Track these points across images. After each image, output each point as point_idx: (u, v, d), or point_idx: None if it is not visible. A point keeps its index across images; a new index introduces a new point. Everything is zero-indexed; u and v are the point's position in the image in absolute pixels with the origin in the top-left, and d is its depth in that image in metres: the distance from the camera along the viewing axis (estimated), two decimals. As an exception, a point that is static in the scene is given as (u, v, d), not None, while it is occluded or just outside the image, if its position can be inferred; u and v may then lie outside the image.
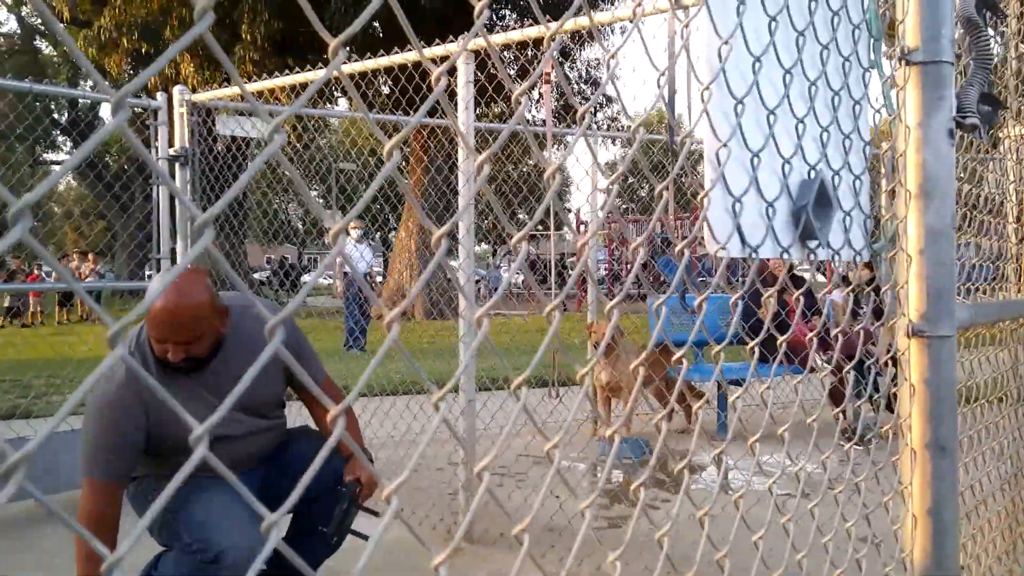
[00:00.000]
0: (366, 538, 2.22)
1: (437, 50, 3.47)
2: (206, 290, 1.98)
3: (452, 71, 3.48)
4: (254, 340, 2.13)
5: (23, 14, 20.81)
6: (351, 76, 4.02)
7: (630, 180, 20.03)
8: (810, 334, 2.39)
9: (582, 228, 12.63)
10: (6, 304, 15.06)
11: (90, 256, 17.26)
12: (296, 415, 2.58)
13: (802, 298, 1.15)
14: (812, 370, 2.11)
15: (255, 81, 4.40)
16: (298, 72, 4.06)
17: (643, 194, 22.62)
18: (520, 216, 24.06)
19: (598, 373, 4.68)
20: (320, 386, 2.30)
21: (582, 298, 12.94)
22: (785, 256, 1.06)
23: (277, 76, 4.08)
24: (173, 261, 4.36)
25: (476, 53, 3.67)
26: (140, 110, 4.49)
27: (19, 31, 21.66)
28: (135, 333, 2.08)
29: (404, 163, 15.30)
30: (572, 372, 5.58)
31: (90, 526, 1.92)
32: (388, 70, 3.81)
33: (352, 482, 2.18)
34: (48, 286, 12.65)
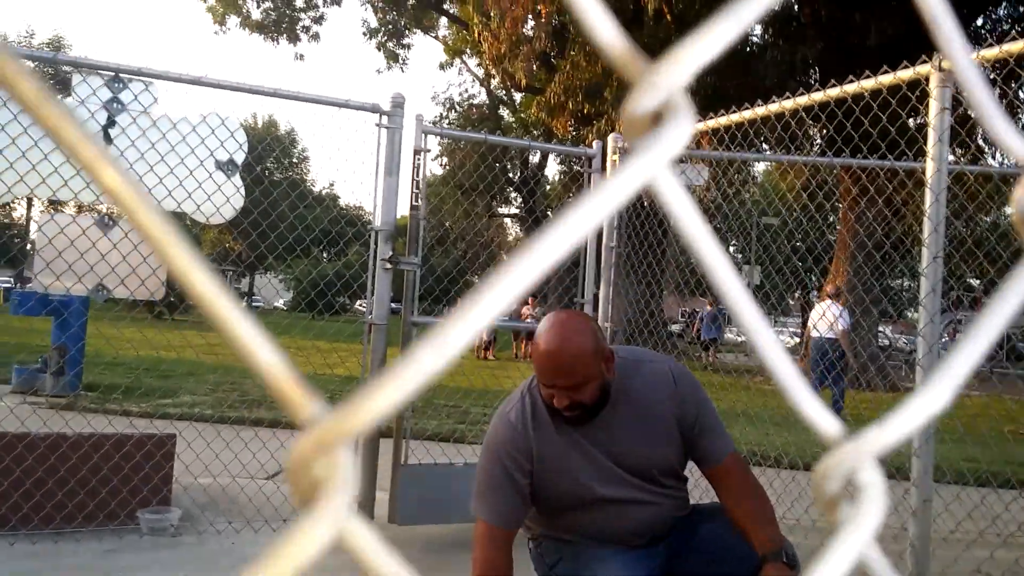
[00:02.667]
0: None
1: (902, 73, 2.94)
2: (590, 334, 1.83)
3: (911, 100, 2.89)
4: (646, 396, 1.92)
5: (492, 87, 24.30)
6: (779, 116, 3.65)
7: None
8: None
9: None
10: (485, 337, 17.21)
11: (530, 300, 19.16)
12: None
13: None
14: None
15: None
16: (734, 112, 3.82)
17: None
18: (973, 282, 20.76)
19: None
20: (726, 461, 1.95)
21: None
22: None
23: (699, 121, 3.89)
24: (595, 305, 4.41)
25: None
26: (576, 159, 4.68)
27: (487, 101, 25.36)
28: (532, 377, 1.99)
29: (830, 213, 14.15)
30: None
31: (479, 567, 1.84)
32: (822, 108, 3.38)
33: None
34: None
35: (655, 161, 0.25)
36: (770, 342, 0.29)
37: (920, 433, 2.55)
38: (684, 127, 0.25)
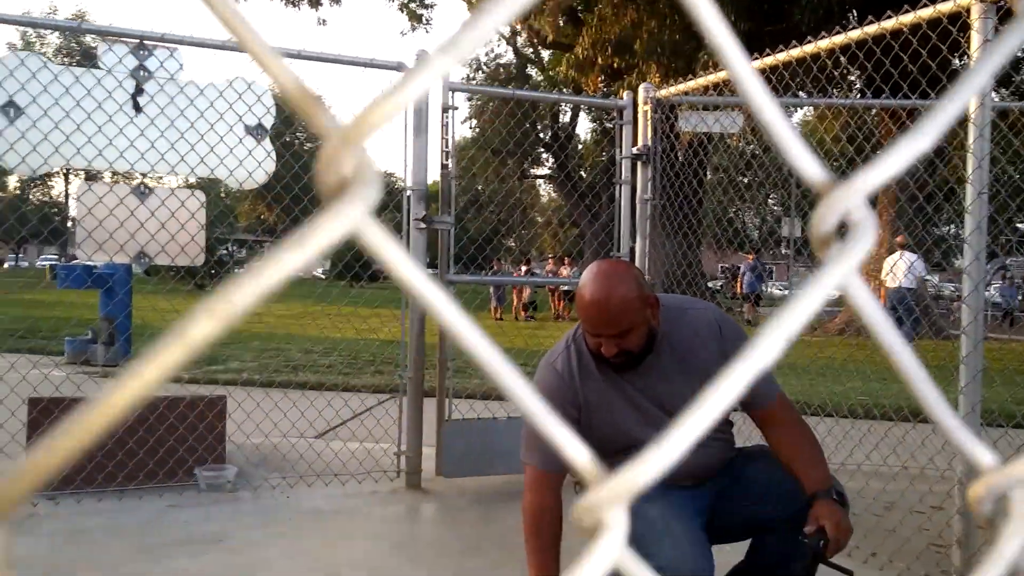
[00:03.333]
0: None
1: (943, 6, 2.85)
2: (634, 280, 1.83)
3: (952, 34, 2.80)
4: (691, 342, 1.93)
5: (518, 45, 24.01)
6: (816, 59, 3.56)
7: None
8: None
9: None
10: (525, 299, 17.16)
11: (566, 260, 19.15)
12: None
13: None
14: None
15: (715, 72, 4.18)
16: (768, 55, 3.73)
17: None
18: (1019, 224, 20.20)
19: None
20: (773, 404, 1.96)
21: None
22: None
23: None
24: (631, 259, 4.40)
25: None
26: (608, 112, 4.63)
27: (515, 60, 25.07)
28: (577, 326, 2.00)
29: (872, 158, 13.85)
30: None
31: (530, 515, 1.89)
32: (859, 47, 3.28)
33: (817, 532, 1.74)
34: (522, 280, 14.26)
35: (847, 268, 0.29)
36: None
37: (967, 372, 2.53)
38: (869, 238, 0.30)
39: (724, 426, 2.06)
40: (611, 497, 0.25)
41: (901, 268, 9.09)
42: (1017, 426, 4.50)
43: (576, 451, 0.26)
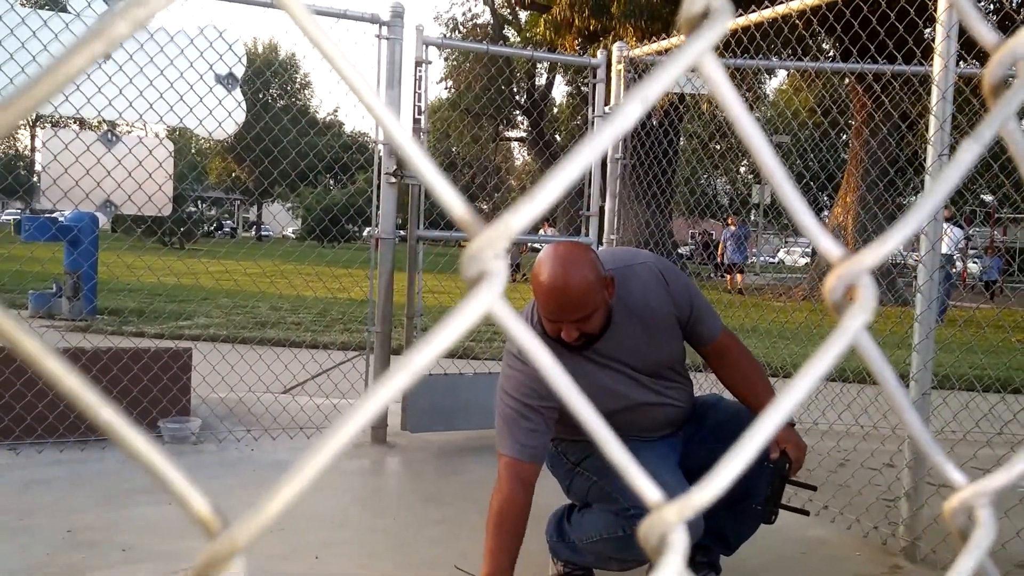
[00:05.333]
0: (806, 513, 2.06)
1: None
2: (591, 264, 1.82)
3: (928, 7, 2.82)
4: (644, 299, 1.97)
5: (495, 6, 23.67)
6: (789, 23, 3.57)
7: None
8: None
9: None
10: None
11: (544, 224, 19.16)
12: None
13: None
14: None
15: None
16: (740, 15, 3.72)
17: None
18: (987, 197, 20.51)
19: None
20: (718, 339, 2.06)
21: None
22: None
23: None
24: (600, 219, 4.41)
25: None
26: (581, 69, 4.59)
27: (492, 21, 24.73)
28: (529, 307, 2.01)
29: (846, 126, 13.94)
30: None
31: (496, 509, 1.85)
32: (829, 8, 3.29)
33: (780, 456, 1.91)
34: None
35: (704, 45, 0.29)
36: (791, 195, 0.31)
37: (920, 330, 2.59)
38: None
39: (685, 373, 2.12)
40: (491, 243, 0.26)
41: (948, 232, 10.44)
42: (975, 390, 4.62)
43: (452, 203, 0.28)
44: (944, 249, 11.20)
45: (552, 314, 1.85)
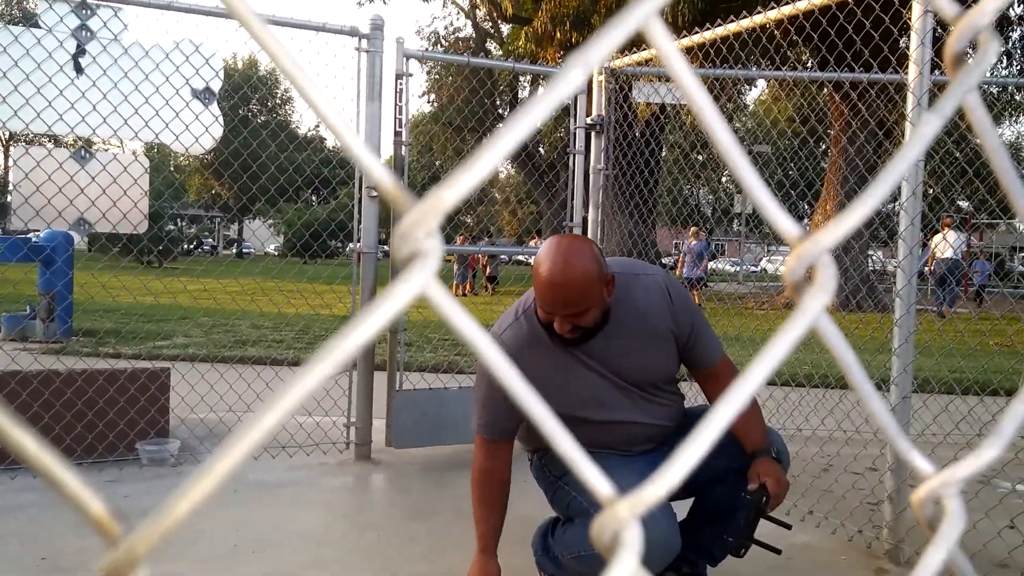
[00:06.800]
0: (778, 552, 1.97)
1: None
2: (593, 259, 1.81)
3: (895, 4, 2.85)
4: (644, 310, 1.96)
5: (477, 19, 23.77)
6: (767, 34, 3.59)
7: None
8: None
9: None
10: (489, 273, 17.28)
11: (532, 239, 19.21)
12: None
13: None
14: None
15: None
16: (719, 25, 3.75)
17: None
18: (962, 203, 20.74)
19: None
20: (716, 366, 2.03)
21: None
22: None
23: (696, 32, 3.82)
24: (584, 230, 4.41)
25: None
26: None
27: (474, 35, 24.84)
28: (527, 297, 2.00)
29: (824, 135, 14.05)
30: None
31: (477, 476, 1.99)
32: (806, 17, 3.32)
33: (759, 489, 1.85)
34: (480, 249, 14.24)
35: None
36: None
37: (900, 334, 2.59)
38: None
39: (675, 389, 2.11)
40: (422, 220, 0.25)
41: (952, 238, 11.73)
42: (954, 393, 4.64)
43: (380, 177, 0.26)
44: (949, 253, 12.25)
45: (549, 305, 1.84)
